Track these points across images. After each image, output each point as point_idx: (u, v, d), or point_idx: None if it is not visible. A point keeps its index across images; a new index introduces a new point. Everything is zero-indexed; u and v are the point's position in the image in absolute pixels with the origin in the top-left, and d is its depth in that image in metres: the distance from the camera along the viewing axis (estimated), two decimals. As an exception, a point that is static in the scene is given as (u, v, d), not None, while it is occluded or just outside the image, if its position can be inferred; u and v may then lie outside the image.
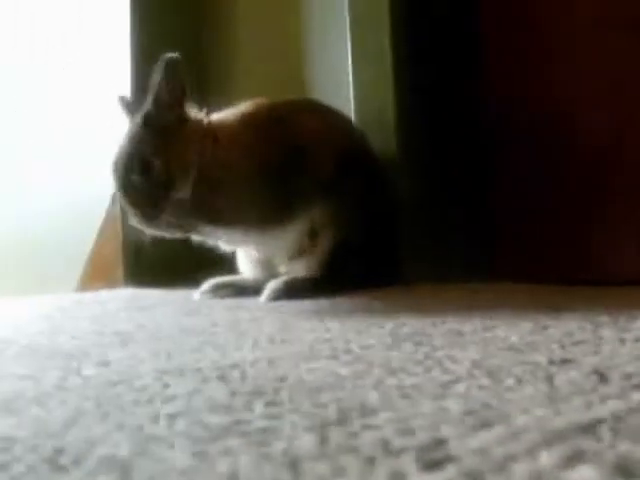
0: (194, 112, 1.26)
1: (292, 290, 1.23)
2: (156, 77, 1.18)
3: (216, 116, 1.30)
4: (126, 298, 1.43)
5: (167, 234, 1.22)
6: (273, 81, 1.76)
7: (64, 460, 0.39)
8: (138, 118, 1.21)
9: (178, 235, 1.24)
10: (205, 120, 1.27)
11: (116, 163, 1.20)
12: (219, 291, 1.35)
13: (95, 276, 1.86)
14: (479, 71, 1.44)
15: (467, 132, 1.44)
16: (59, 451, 0.41)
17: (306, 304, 1.14)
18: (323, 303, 1.14)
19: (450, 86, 1.45)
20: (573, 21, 1.33)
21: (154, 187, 1.17)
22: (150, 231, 1.20)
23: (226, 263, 1.41)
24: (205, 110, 1.28)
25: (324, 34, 1.67)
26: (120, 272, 1.77)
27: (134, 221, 1.19)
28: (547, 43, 1.36)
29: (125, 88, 1.72)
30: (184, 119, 1.22)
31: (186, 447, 0.40)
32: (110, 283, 1.78)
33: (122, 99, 1.33)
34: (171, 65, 1.16)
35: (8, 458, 0.40)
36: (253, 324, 0.95)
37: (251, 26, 1.84)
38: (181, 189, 1.18)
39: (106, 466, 0.38)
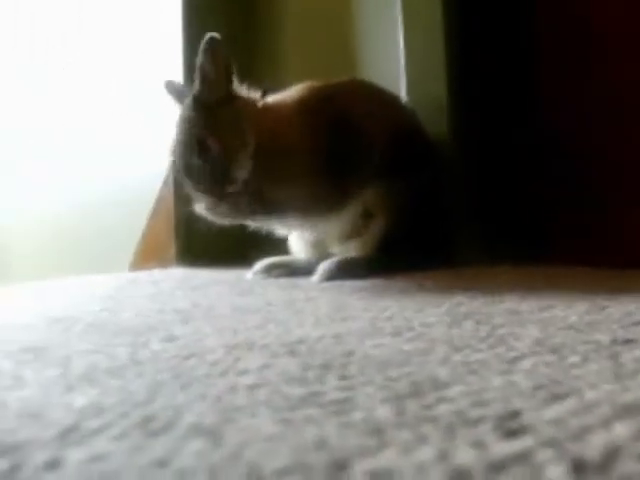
0: (245, 91, 1.27)
1: (345, 270, 1.24)
2: (199, 58, 1.20)
3: (270, 99, 1.31)
4: (179, 278, 1.46)
5: (224, 221, 1.24)
6: (323, 61, 1.77)
7: (154, 426, 0.42)
8: (188, 101, 1.23)
9: (231, 221, 1.25)
10: (259, 101, 1.28)
11: (174, 150, 1.22)
12: (272, 271, 1.37)
13: (147, 256, 1.90)
14: (532, 51, 1.43)
15: (519, 113, 1.43)
16: (148, 418, 0.43)
17: (359, 284, 1.15)
18: (376, 283, 1.15)
19: (504, 66, 1.45)
20: (629, 23, 1.32)
21: (213, 167, 1.18)
22: (216, 216, 1.22)
23: (277, 243, 1.43)
24: (260, 92, 1.29)
25: (375, 14, 1.67)
26: (172, 252, 1.81)
27: (201, 207, 1.22)
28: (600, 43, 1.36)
29: (176, 73, 1.75)
30: (232, 97, 1.24)
31: (269, 415, 0.42)
32: (162, 263, 1.82)
33: (169, 84, 1.34)
34: (212, 44, 1.18)
35: (101, 424, 0.43)
36: (309, 303, 0.96)
37: (302, 7, 1.85)
38: (240, 166, 1.20)
39: (195, 433, 0.40)
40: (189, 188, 1.22)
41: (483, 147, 1.45)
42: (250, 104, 1.26)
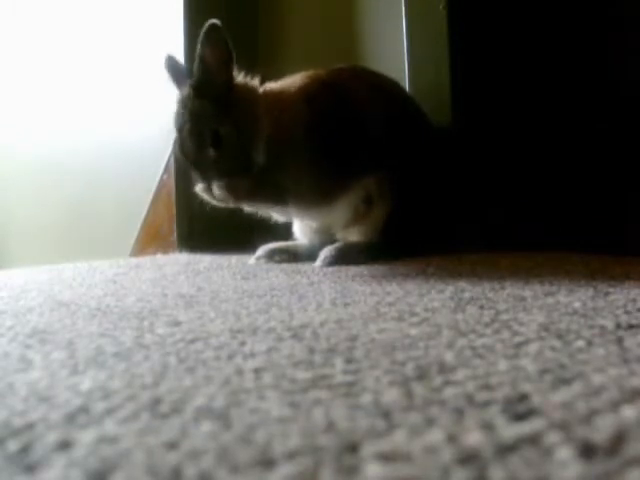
0: (244, 78, 1.27)
1: (346, 256, 1.24)
2: (199, 46, 1.18)
3: (272, 86, 1.30)
4: (183, 263, 1.46)
5: (221, 204, 1.24)
6: (327, 49, 1.76)
7: (163, 408, 0.42)
8: (187, 90, 1.21)
9: (230, 206, 1.26)
10: (259, 88, 1.27)
11: (182, 142, 1.21)
12: (274, 256, 1.37)
13: (148, 242, 1.90)
14: (536, 38, 1.43)
15: (523, 98, 1.43)
16: (156, 401, 0.43)
17: (362, 269, 1.15)
18: (378, 268, 1.15)
19: (508, 53, 1.44)
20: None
21: (230, 156, 1.18)
22: (215, 200, 1.22)
23: (278, 229, 1.43)
24: (258, 78, 1.28)
25: (378, 2, 1.67)
26: (173, 238, 1.81)
27: (200, 188, 1.22)
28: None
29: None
30: (233, 85, 1.23)
31: (277, 399, 0.42)
32: (163, 249, 1.82)
33: (169, 60, 1.30)
34: (212, 31, 1.16)
35: (109, 406, 0.43)
36: (312, 288, 0.96)
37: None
38: (256, 152, 1.21)
39: (205, 415, 0.40)
40: (201, 181, 1.21)
41: (486, 134, 1.45)
42: (252, 91, 1.26)
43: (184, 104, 1.22)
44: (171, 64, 1.30)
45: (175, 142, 1.23)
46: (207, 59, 1.19)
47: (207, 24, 1.16)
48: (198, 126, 1.19)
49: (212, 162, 1.19)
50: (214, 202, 1.23)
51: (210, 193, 1.21)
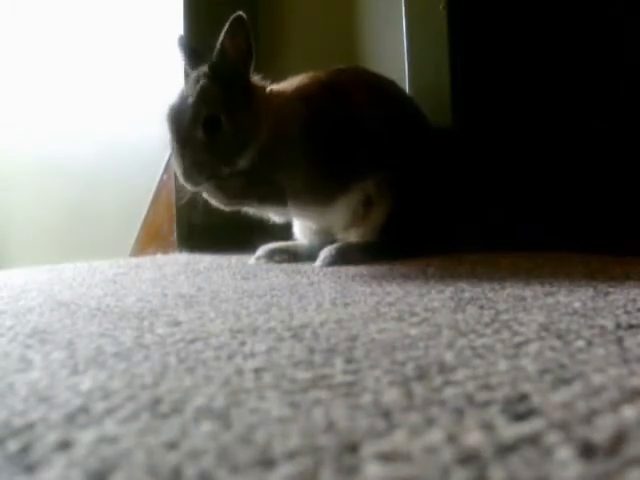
0: (258, 80, 1.27)
1: (346, 256, 1.24)
2: (222, 34, 1.18)
3: (274, 88, 1.30)
4: (183, 263, 1.46)
5: (218, 203, 1.23)
6: (327, 52, 1.76)
7: (163, 409, 0.42)
8: (205, 68, 1.20)
9: (227, 208, 1.25)
10: (268, 90, 1.28)
11: (177, 113, 1.19)
12: (274, 257, 1.37)
13: (148, 242, 1.90)
14: (535, 40, 1.43)
15: (523, 98, 1.43)
16: (156, 401, 0.43)
17: (361, 269, 1.15)
18: (378, 269, 1.15)
19: (507, 54, 1.44)
20: None
21: (218, 146, 1.17)
22: (196, 188, 1.19)
23: (278, 229, 1.42)
24: (269, 81, 1.29)
25: (379, 4, 1.66)
26: (173, 238, 1.81)
27: (183, 178, 1.18)
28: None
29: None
30: (249, 83, 1.23)
31: (277, 399, 0.42)
32: (163, 249, 1.82)
33: (181, 39, 1.32)
34: (236, 23, 1.17)
35: (109, 406, 0.43)
36: (312, 288, 0.96)
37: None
38: (246, 155, 1.20)
39: (205, 415, 0.40)
40: (179, 159, 1.18)
41: (485, 134, 1.45)
42: (262, 91, 1.26)
43: (197, 79, 1.20)
44: (183, 42, 1.31)
45: (170, 107, 1.20)
46: (227, 48, 1.19)
47: (233, 16, 1.17)
48: (202, 102, 1.17)
49: (197, 141, 1.16)
50: (189, 188, 1.20)
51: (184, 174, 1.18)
